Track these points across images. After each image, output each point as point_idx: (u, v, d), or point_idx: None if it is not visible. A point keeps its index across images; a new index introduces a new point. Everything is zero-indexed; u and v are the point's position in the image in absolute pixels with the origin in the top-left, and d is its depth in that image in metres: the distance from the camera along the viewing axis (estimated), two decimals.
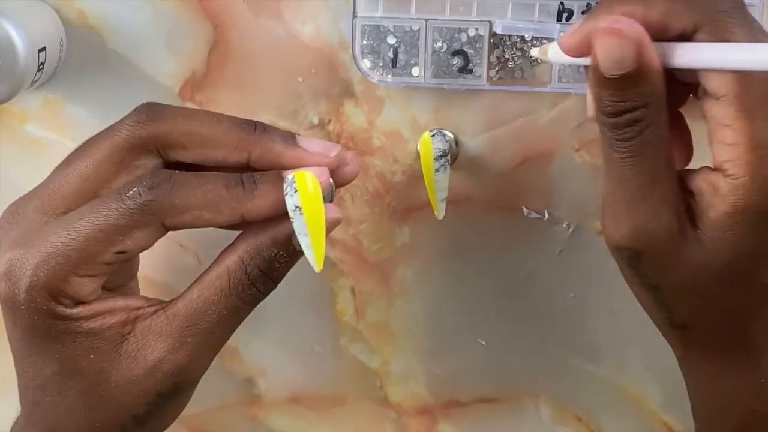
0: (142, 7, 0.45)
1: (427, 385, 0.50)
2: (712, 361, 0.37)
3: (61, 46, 0.44)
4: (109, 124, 0.45)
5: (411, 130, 0.46)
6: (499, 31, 0.43)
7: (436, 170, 0.42)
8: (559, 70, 0.44)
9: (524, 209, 0.47)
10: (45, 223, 0.35)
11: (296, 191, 0.34)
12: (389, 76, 0.44)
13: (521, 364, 0.49)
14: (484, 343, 0.49)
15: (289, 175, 0.35)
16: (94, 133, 0.46)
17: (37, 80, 0.42)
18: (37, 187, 0.37)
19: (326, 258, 0.48)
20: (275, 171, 0.36)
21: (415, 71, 0.44)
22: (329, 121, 0.46)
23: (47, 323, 0.34)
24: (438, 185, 0.43)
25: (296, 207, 0.34)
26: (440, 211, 0.43)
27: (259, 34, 0.45)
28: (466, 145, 0.46)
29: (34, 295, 0.34)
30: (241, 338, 0.49)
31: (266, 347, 0.49)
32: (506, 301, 0.48)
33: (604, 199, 0.35)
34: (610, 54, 0.32)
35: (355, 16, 0.43)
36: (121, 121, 0.36)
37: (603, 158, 0.35)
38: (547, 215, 0.47)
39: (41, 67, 0.41)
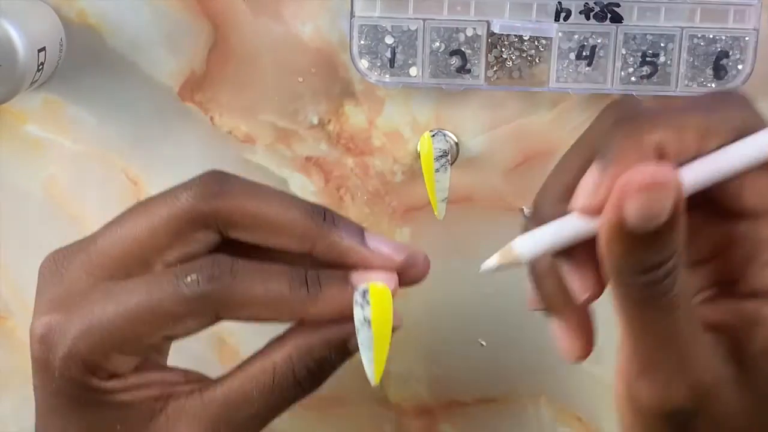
0: (142, 7, 0.45)
1: (427, 385, 0.50)
2: None
3: (61, 46, 0.44)
4: (108, 124, 0.45)
5: (411, 130, 0.46)
6: (497, 31, 0.43)
7: (436, 170, 0.42)
8: (557, 71, 0.44)
9: (524, 209, 0.47)
10: (91, 285, 0.33)
11: (368, 304, 0.32)
12: (387, 76, 0.44)
13: (521, 364, 0.49)
14: (484, 343, 0.49)
15: (362, 286, 0.32)
16: (94, 133, 0.46)
17: (37, 80, 0.42)
18: (83, 241, 0.34)
19: None
20: (342, 273, 0.33)
21: (413, 71, 0.44)
22: (329, 121, 0.46)
23: (78, 392, 0.33)
24: (438, 185, 0.43)
25: (365, 319, 0.32)
26: (440, 211, 0.43)
27: (259, 34, 0.45)
28: (466, 145, 0.46)
29: (69, 364, 0.32)
30: (242, 338, 0.49)
31: None
32: (506, 301, 0.48)
33: (635, 366, 0.30)
34: (647, 210, 0.26)
35: (352, 15, 0.43)
36: (183, 188, 0.33)
37: (628, 324, 0.29)
38: None
39: (41, 67, 0.41)
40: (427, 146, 0.42)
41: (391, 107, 0.46)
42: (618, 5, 0.43)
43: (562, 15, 0.43)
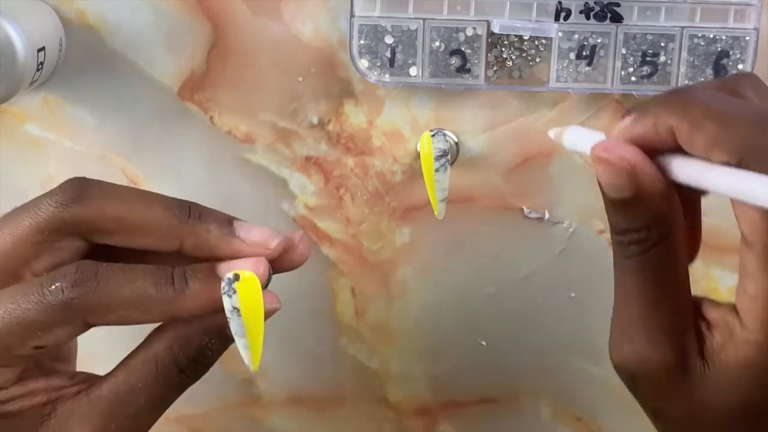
0: (142, 7, 0.44)
1: (427, 385, 0.50)
2: None
3: (61, 45, 0.44)
4: (107, 124, 0.45)
5: (411, 130, 0.46)
6: (496, 31, 0.43)
7: (436, 170, 0.42)
8: (557, 70, 0.44)
9: (524, 209, 0.47)
10: None
11: (235, 293, 0.32)
12: (387, 75, 0.44)
13: (521, 364, 0.49)
14: (484, 343, 0.49)
15: (227, 275, 0.32)
16: (93, 133, 0.46)
17: (37, 80, 0.42)
18: None
19: (326, 258, 0.48)
20: (208, 266, 0.33)
21: (413, 71, 0.44)
22: (329, 121, 0.46)
23: None
24: (438, 185, 0.43)
25: (234, 308, 0.32)
26: (440, 211, 0.43)
27: (258, 34, 0.45)
28: (466, 145, 0.46)
29: None
30: None
31: (266, 347, 0.49)
32: (506, 301, 0.48)
33: (612, 316, 0.33)
34: (605, 180, 0.30)
35: (352, 15, 0.43)
36: (45, 197, 0.33)
37: (614, 274, 0.33)
38: (547, 215, 0.47)
39: (40, 66, 0.41)
40: (427, 146, 0.42)
41: (391, 107, 0.46)
42: (618, 5, 0.43)
43: (562, 15, 0.43)
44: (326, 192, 0.47)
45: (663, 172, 0.30)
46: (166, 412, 0.39)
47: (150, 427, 0.35)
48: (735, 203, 0.30)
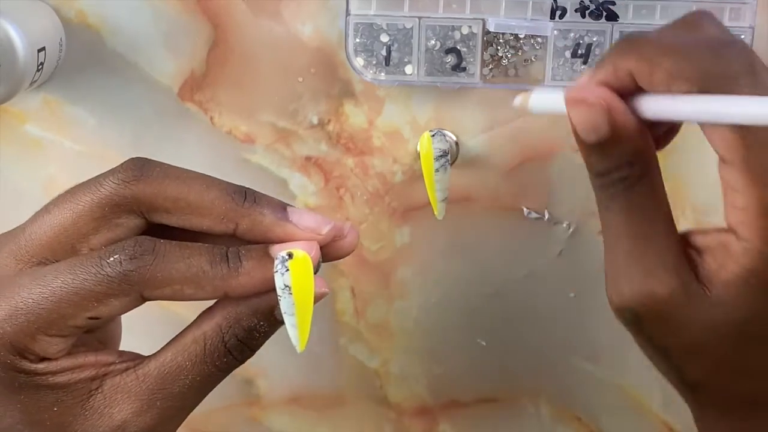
0: (142, 7, 0.45)
1: (427, 385, 0.50)
2: (727, 422, 0.36)
3: (61, 46, 0.44)
4: (107, 124, 0.45)
5: (411, 130, 0.46)
6: (492, 29, 0.43)
7: (436, 170, 0.42)
8: (552, 69, 0.44)
9: (524, 209, 0.47)
10: (19, 271, 0.34)
11: (288, 270, 0.33)
12: (382, 74, 0.44)
13: (521, 364, 0.49)
14: (484, 343, 0.49)
15: (281, 253, 0.33)
16: (93, 133, 0.46)
17: (37, 80, 0.42)
18: (13, 230, 0.35)
19: None
20: (262, 247, 0.34)
21: (409, 69, 0.44)
22: (329, 121, 0.46)
23: (10, 375, 0.33)
24: (438, 185, 0.43)
25: (286, 286, 0.33)
26: (440, 211, 0.43)
27: (258, 34, 0.45)
28: (466, 145, 0.46)
29: None
30: None
31: (266, 347, 0.49)
32: (506, 301, 0.48)
33: (605, 262, 0.34)
34: (582, 122, 0.32)
35: (348, 14, 0.43)
36: (107, 174, 0.34)
37: (600, 220, 0.34)
38: (547, 215, 0.47)
39: (40, 67, 0.41)
40: (426, 146, 0.42)
41: (391, 107, 0.46)
42: (613, 3, 0.43)
43: (558, 13, 0.43)
44: (326, 192, 0.47)
45: (633, 112, 0.32)
46: None
47: (194, 407, 0.35)
48: (705, 128, 0.31)
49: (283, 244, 0.34)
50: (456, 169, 0.46)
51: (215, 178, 0.35)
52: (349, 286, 0.48)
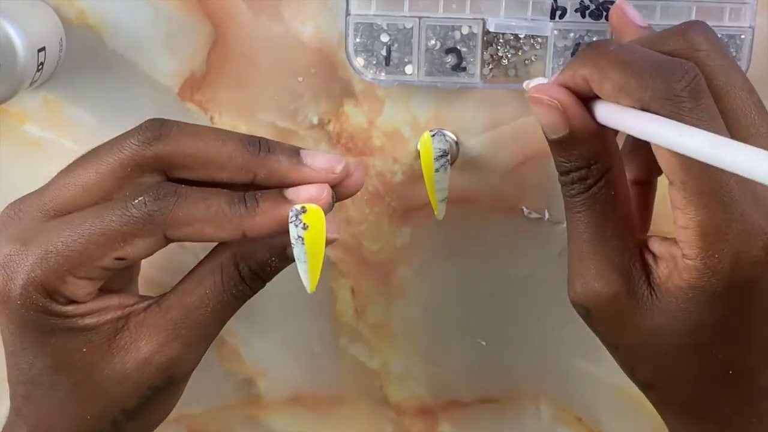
0: (142, 7, 0.45)
1: (427, 385, 0.50)
2: (683, 423, 0.37)
3: (61, 46, 0.44)
4: (107, 124, 0.45)
5: (411, 130, 0.46)
6: (492, 29, 0.43)
7: (436, 170, 0.42)
8: (552, 69, 0.44)
9: (524, 209, 0.47)
10: (46, 221, 0.35)
11: (302, 222, 0.35)
12: (383, 74, 0.44)
13: (521, 364, 0.49)
14: (484, 343, 0.49)
15: (296, 206, 0.35)
16: (93, 133, 0.46)
17: (37, 80, 0.42)
18: (39, 189, 0.37)
19: (326, 257, 0.48)
20: (278, 189, 0.36)
21: (409, 69, 0.44)
22: (329, 121, 0.46)
23: (41, 318, 0.35)
24: (438, 185, 0.43)
25: (299, 236, 0.35)
26: (440, 211, 0.43)
27: (258, 34, 0.45)
28: (466, 145, 0.46)
29: (29, 291, 0.34)
30: (242, 338, 0.49)
31: (266, 347, 0.49)
32: (506, 301, 0.48)
33: (568, 255, 0.36)
34: (542, 120, 0.34)
35: (348, 14, 0.43)
36: (127, 136, 0.36)
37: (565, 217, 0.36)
38: (547, 215, 0.47)
39: (40, 67, 0.41)
40: (426, 146, 0.42)
41: (391, 107, 0.46)
42: (613, 3, 0.43)
43: (558, 13, 0.43)
44: None
45: (591, 114, 0.33)
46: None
47: (214, 337, 0.37)
48: (652, 145, 0.32)
49: (297, 188, 0.36)
50: (456, 169, 0.46)
51: (230, 131, 0.36)
52: (349, 286, 0.48)
